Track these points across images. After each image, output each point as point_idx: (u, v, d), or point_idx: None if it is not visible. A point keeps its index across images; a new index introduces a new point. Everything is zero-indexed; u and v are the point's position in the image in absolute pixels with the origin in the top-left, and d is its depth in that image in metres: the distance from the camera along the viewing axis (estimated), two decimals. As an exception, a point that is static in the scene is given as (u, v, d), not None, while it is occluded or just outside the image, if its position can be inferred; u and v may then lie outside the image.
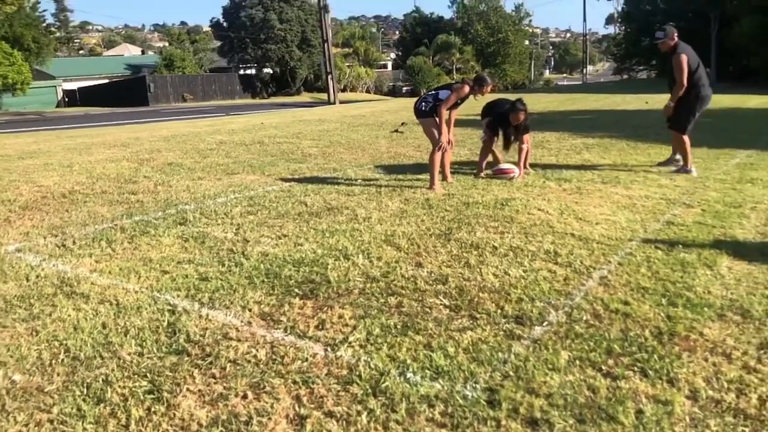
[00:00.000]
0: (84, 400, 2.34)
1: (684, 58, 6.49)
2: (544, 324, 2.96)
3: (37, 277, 3.72)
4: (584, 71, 65.53)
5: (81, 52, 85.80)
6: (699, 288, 3.40)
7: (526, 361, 2.60)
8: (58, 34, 55.08)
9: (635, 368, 2.53)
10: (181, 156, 8.98)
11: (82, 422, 2.20)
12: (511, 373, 2.50)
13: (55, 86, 44.15)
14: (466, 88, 5.96)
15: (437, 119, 5.98)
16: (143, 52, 69.58)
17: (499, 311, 3.11)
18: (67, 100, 44.40)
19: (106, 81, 45.96)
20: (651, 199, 5.62)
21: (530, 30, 73.46)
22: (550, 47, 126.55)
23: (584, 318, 3.02)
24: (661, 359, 2.59)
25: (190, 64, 46.95)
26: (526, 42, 65.86)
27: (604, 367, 2.54)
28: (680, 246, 4.16)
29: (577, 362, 2.59)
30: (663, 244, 4.20)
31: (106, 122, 19.75)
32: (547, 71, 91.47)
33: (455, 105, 6.10)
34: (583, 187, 6.18)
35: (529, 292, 3.35)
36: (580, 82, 56.47)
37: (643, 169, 7.13)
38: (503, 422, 2.17)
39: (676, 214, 5.05)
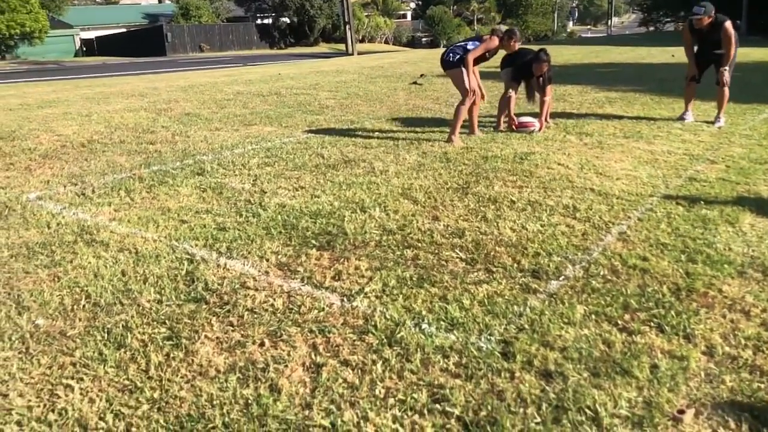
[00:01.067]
0: (105, 344, 2.39)
1: (731, 25, 6.57)
2: (561, 278, 2.95)
3: (58, 224, 3.76)
4: (609, 23, 63.62)
5: (98, 0, 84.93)
6: (720, 245, 3.36)
7: (542, 314, 2.60)
8: (74, -18, 54.52)
9: (652, 324, 2.52)
10: (198, 106, 8.95)
11: (104, 366, 2.25)
12: (526, 326, 2.50)
13: (73, 35, 43.96)
14: (496, 40, 5.82)
15: (465, 70, 5.86)
16: (160, 1, 68.66)
17: (515, 265, 3.10)
18: (85, 49, 44.24)
19: (124, 30, 45.60)
20: (674, 154, 5.51)
21: (554, -21, 71.19)
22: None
23: (601, 273, 3.01)
24: (678, 315, 2.58)
25: (207, 13, 46.30)
26: (550, -8, 63.94)
27: (620, 322, 2.53)
28: (702, 202, 4.09)
29: (593, 317, 2.58)
30: (684, 200, 4.14)
31: (124, 72, 19.70)
32: (571, 23, 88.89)
33: (483, 58, 5.96)
34: (605, 141, 6.07)
35: (547, 247, 3.33)
36: (605, 34, 54.97)
37: (667, 124, 6.97)
38: (517, 374, 2.18)
39: (699, 170, 4.95)
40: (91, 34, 45.26)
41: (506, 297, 2.76)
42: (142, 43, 38.83)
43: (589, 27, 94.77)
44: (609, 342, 2.38)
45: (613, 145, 5.90)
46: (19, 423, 1.95)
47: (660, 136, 6.33)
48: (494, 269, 3.06)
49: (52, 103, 9.68)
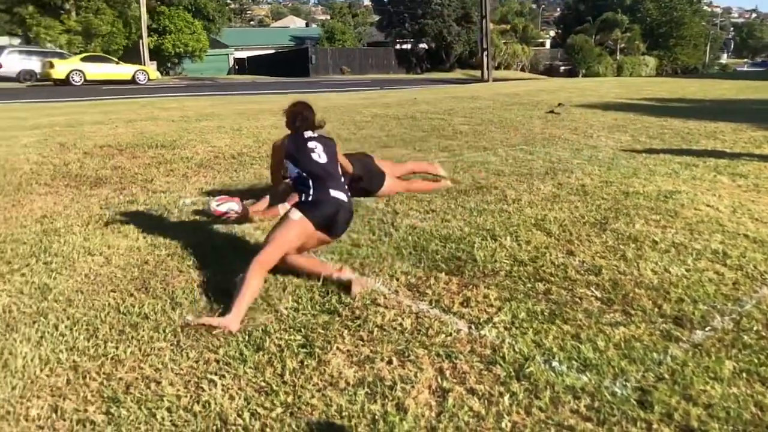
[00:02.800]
0: (245, 346, 2.55)
1: None
2: (707, 329, 2.75)
3: (209, 229, 4.08)
4: (770, 56, 58.56)
5: (251, 23, 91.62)
6: None
7: (684, 365, 2.43)
8: (232, 5, 59.26)
9: (814, 390, 2.28)
10: (338, 126, 9.33)
11: (244, 366, 2.40)
12: (666, 376, 2.35)
13: (227, 54, 47.66)
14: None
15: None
16: (307, 25, 72.75)
17: (656, 310, 2.93)
18: (236, 67, 47.75)
19: (272, 51, 48.71)
20: None
21: (709, 9, 66.98)
22: (731, 28, 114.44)
23: (755, 328, 2.76)
24: None
25: (350, 38, 48.40)
26: (703, 23, 60.10)
27: (775, 384, 2.31)
28: None
29: (744, 375, 2.37)
30: None
31: (271, 90, 20.98)
32: (725, 55, 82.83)
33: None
34: (762, 184, 5.59)
35: (692, 293, 3.12)
36: (765, 69, 50.71)
37: (838, 170, 6.29)
38: (655, 425, 2.05)
39: None
40: (243, 54, 48.76)
41: (645, 342, 2.61)
42: (289, 64, 41.19)
43: (745, 60, 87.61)
44: (762, 405, 2.18)
45: (772, 189, 5.42)
46: (169, 410, 2.13)
47: (829, 182, 5.73)
48: (632, 312, 2.91)
49: (208, 116, 10.52)
